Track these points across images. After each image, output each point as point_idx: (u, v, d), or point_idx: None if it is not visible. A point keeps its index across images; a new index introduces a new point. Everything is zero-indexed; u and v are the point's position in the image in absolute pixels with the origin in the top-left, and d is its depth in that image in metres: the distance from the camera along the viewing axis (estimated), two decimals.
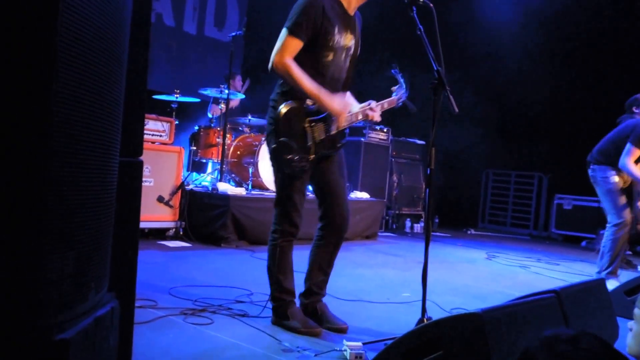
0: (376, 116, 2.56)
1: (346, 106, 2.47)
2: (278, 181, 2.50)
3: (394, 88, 2.67)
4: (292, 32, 2.34)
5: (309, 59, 2.38)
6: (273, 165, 2.48)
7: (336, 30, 2.41)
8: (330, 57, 2.43)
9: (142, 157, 1.68)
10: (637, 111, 4.33)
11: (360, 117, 2.55)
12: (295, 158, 2.36)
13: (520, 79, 8.06)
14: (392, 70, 2.64)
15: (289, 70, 2.32)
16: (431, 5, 2.35)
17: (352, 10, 2.51)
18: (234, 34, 5.40)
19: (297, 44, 2.35)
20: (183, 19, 7.30)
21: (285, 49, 2.34)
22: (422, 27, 2.36)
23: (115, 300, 1.32)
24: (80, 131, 1.04)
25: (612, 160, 4.19)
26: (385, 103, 2.63)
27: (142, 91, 1.73)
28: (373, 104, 2.56)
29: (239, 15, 7.91)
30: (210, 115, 5.96)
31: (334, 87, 2.47)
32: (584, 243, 7.55)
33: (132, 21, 1.46)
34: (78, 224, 1.06)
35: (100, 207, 1.19)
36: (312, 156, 2.42)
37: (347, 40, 2.47)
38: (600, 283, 2.44)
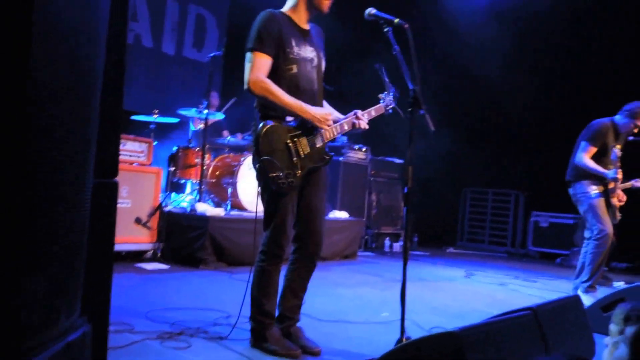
0: (363, 124, 2.56)
1: (328, 113, 2.48)
2: (265, 202, 2.46)
3: (381, 95, 2.68)
4: (257, 49, 2.37)
5: (274, 74, 2.40)
6: (260, 186, 2.46)
7: (294, 42, 2.45)
8: (295, 69, 2.44)
9: (119, 178, 1.66)
10: None
11: (346, 127, 2.56)
12: (282, 175, 2.34)
13: (496, 98, 8.20)
14: (378, 71, 2.64)
15: (266, 87, 2.34)
16: (406, 25, 2.39)
17: (304, 24, 2.54)
18: (212, 54, 5.42)
19: (265, 60, 2.38)
20: (162, 39, 7.30)
21: (256, 67, 2.36)
22: (397, 47, 2.40)
23: (88, 325, 1.29)
24: (50, 153, 1.02)
25: (585, 172, 4.30)
26: (373, 110, 2.64)
27: (118, 112, 1.72)
28: (359, 113, 2.58)
29: (218, 36, 7.94)
30: (193, 128, 5.92)
31: (308, 99, 2.47)
32: (558, 260, 7.66)
33: (108, 41, 1.46)
34: (48, 247, 1.04)
35: (73, 230, 1.17)
36: (300, 171, 2.40)
37: (307, 52, 2.50)
38: (576, 299, 2.47)
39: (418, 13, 7.48)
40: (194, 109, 5.61)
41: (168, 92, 7.16)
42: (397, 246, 7.48)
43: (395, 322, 2.58)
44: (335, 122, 2.57)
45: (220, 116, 5.96)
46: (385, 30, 2.42)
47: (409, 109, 2.37)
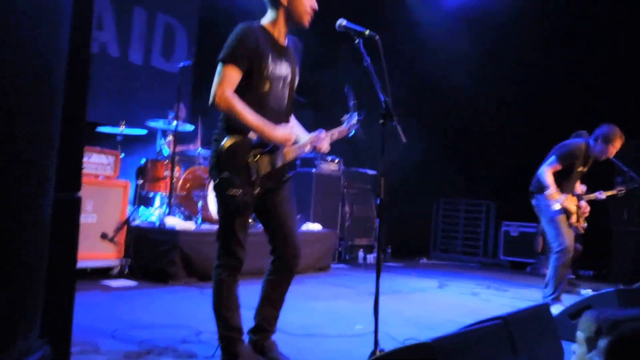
0: (324, 147, 2.52)
1: (290, 134, 2.42)
2: (220, 215, 2.43)
3: (345, 117, 2.64)
4: (229, 62, 2.30)
5: (246, 91, 2.34)
6: (217, 201, 2.43)
7: (270, 59, 2.38)
8: (267, 87, 2.39)
9: (84, 192, 1.60)
10: None
11: (308, 148, 2.51)
12: (239, 193, 2.29)
13: (468, 109, 8.32)
14: (345, 91, 2.62)
15: (231, 105, 2.28)
16: (377, 37, 2.40)
17: (282, 40, 2.48)
18: (182, 64, 5.34)
19: (236, 74, 2.31)
20: (128, 49, 7.17)
21: (225, 81, 2.29)
22: (368, 59, 2.40)
23: (47, 347, 1.23)
24: (6, 165, 0.97)
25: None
26: (336, 132, 2.59)
27: (81, 123, 1.67)
28: (322, 134, 2.54)
29: (187, 45, 7.84)
30: (164, 151, 5.80)
31: (275, 117, 2.41)
32: (528, 269, 7.80)
33: (70, 50, 1.41)
34: (3, 266, 0.98)
35: (30, 247, 1.11)
36: (257, 190, 2.36)
37: (282, 70, 2.45)
38: (545, 308, 2.50)
39: (388, 23, 7.56)
40: (162, 121, 5.52)
41: (136, 103, 7.00)
42: (371, 258, 7.47)
43: (369, 334, 2.57)
44: (295, 143, 2.51)
45: (189, 127, 5.88)
46: (356, 41, 2.42)
47: (381, 121, 2.37)
